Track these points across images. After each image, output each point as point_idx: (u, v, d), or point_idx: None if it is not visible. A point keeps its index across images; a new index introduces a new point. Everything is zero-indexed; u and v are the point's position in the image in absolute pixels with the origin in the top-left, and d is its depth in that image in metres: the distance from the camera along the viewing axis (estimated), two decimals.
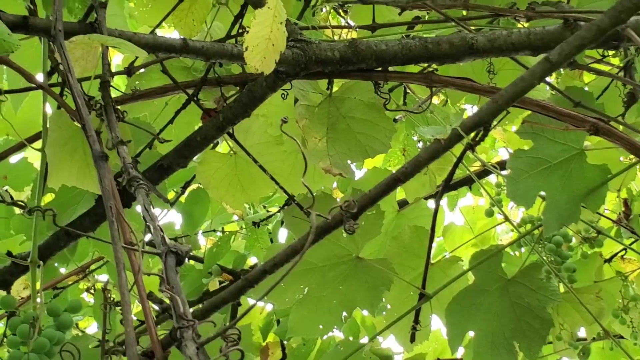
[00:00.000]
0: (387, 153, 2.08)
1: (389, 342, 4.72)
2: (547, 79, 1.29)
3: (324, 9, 2.37)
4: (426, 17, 1.78)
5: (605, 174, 1.49)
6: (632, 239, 2.21)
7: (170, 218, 4.17)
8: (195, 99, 1.65)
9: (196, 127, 1.87)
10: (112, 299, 1.16)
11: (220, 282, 2.60)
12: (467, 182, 2.43)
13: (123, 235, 1.04)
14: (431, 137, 1.14)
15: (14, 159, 2.31)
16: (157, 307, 1.04)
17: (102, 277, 2.79)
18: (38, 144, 1.63)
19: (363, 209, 1.18)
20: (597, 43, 1.22)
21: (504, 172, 1.62)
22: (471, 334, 1.67)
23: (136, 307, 2.22)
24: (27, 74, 1.42)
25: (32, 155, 2.32)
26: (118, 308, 1.01)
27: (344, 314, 1.71)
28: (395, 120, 2.12)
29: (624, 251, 2.24)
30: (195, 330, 0.88)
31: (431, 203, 2.18)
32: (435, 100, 2.31)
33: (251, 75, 1.63)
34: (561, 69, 1.99)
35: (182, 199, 2.43)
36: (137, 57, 1.64)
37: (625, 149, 1.40)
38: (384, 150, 1.67)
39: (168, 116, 1.78)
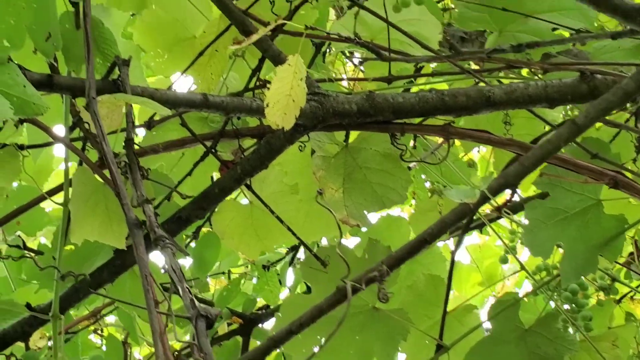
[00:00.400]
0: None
1: None
2: None
3: (330, 50, 2.40)
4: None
5: (622, 223, 1.50)
6: None
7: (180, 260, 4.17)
8: (213, 151, 1.67)
9: (212, 177, 1.90)
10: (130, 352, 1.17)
11: (229, 324, 2.61)
12: (480, 225, 2.43)
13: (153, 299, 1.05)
14: (460, 200, 1.16)
15: None
16: None
17: (110, 318, 2.80)
18: (57, 196, 1.66)
19: (390, 270, 1.19)
20: (622, 106, 1.24)
21: (523, 221, 1.63)
22: None
23: None
24: (51, 132, 1.43)
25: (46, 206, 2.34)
26: None
27: None
28: (409, 168, 2.13)
29: (633, 292, 2.25)
30: None
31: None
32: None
33: (269, 127, 1.64)
34: None
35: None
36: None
37: None
38: (400, 201, 1.68)
39: (184, 166, 1.80)
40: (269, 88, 1.35)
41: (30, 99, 1.23)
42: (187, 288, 1.11)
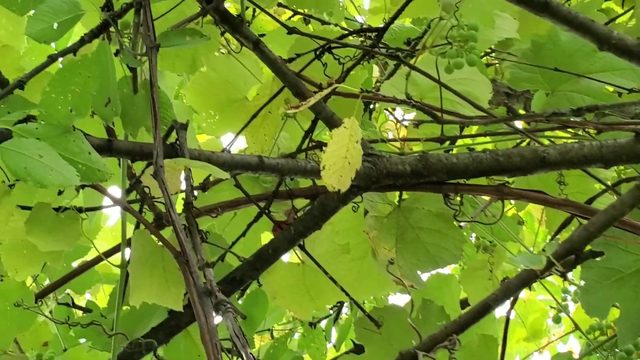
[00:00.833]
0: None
1: None
2: None
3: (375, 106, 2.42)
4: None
5: None
6: None
7: None
8: (267, 211, 1.68)
9: (263, 236, 1.90)
10: None
11: None
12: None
13: None
14: (526, 266, 1.15)
15: (75, 263, 2.34)
16: None
17: None
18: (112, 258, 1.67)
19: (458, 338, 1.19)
20: None
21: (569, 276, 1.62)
22: None
23: None
24: (110, 195, 1.45)
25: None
26: None
27: None
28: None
29: None
30: None
31: None
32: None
33: (322, 187, 1.66)
34: None
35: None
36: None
37: None
38: (454, 261, 1.68)
39: (236, 226, 1.81)
40: (322, 150, 1.36)
41: (95, 165, 1.25)
42: (252, 354, 1.12)
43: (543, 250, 1.59)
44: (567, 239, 1.20)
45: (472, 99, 1.68)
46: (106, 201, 1.72)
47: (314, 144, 1.71)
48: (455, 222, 1.66)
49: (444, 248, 1.67)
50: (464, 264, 2.45)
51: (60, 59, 1.47)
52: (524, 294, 3.48)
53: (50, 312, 2.07)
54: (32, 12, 1.52)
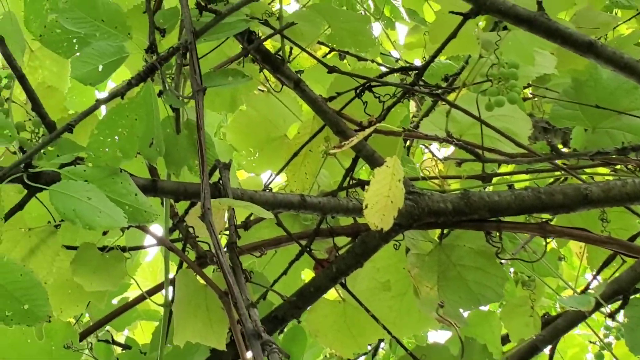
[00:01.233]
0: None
1: None
2: None
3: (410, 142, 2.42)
4: None
5: None
6: None
7: None
8: (308, 249, 1.68)
9: (303, 273, 1.91)
10: None
11: None
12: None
13: None
14: (575, 308, 1.15)
15: (115, 300, 2.35)
16: None
17: None
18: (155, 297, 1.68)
19: None
20: None
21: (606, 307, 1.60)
22: None
23: None
24: (153, 234, 1.47)
25: (134, 295, 2.37)
26: None
27: None
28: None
29: None
30: None
31: None
32: None
33: (363, 225, 1.66)
34: None
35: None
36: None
37: None
38: (497, 300, 1.66)
39: (277, 264, 1.82)
40: (364, 188, 1.37)
41: (142, 207, 1.27)
42: None
43: (586, 288, 1.59)
44: (614, 279, 1.20)
45: (512, 136, 1.68)
46: (148, 239, 1.74)
47: (354, 181, 1.71)
48: (497, 260, 1.65)
49: (486, 286, 1.66)
50: (504, 300, 2.43)
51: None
52: None
53: (90, 348, 2.09)
54: (77, 54, 1.55)
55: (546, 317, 2.05)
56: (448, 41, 1.67)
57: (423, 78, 1.87)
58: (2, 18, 1.66)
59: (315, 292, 1.67)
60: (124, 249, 1.59)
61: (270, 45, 2.05)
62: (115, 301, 2.31)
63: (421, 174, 1.73)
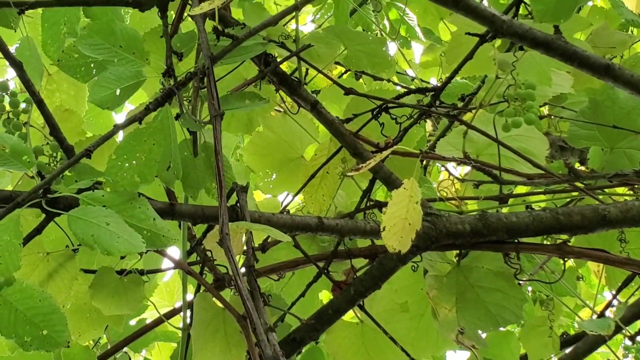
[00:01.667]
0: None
1: None
2: None
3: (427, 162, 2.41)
4: None
5: None
6: None
7: None
8: (326, 271, 1.68)
9: (320, 295, 1.90)
10: None
11: None
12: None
13: None
14: (594, 332, 1.14)
15: (133, 320, 2.36)
16: None
17: None
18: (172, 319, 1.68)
19: None
20: None
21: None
22: None
23: None
24: (171, 258, 1.47)
25: (151, 316, 2.37)
26: None
27: None
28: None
29: None
30: None
31: None
32: None
33: (381, 247, 1.66)
34: None
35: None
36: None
37: None
38: (516, 321, 1.65)
39: (293, 285, 1.81)
40: (381, 210, 1.37)
41: (160, 231, 1.27)
42: None
43: (606, 308, 1.58)
44: (634, 302, 1.19)
45: (529, 156, 1.68)
46: (165, 262, 1.74)
47: (372, 203, 1.71)
48: (515, 281, 1.65)
49: (505, 307, 1.65)
50: (522, 320, 2.42)
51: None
52: None
53: None
54: (95, 78, 1.55)
55: (565, 336, 2.04)
56: (464, 62, 1.68)
57: (441, 99, 1.87)
58: (21, 43, 1.67)
59: (334, 314, 1.66)
60: (142, 272, 1.59)
61: (286, 65, 2.06)
62: (133, 322, 2.31)
63: (438, 195, 1.72)
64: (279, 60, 1.76)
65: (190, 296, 1.60)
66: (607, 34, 2.00)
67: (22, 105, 1.59)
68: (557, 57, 1.42)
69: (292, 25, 1.89)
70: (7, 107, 1.57)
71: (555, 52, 1.41)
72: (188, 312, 1.56)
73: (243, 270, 1.42)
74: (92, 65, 1.56)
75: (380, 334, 1.76)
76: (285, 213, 1.68)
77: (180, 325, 1.56)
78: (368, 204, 1.72)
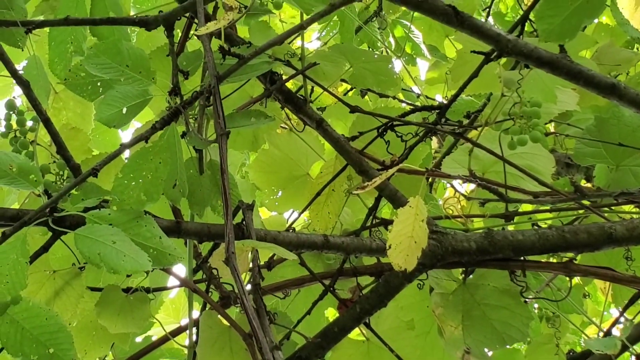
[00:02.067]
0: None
1: None
2: None
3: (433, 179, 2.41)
4: None
5: None
6: None
7: None
8: (332, 289, 1.68)
9: (326, 312, 1.90)
10: None
11: None
12: None
13: None
14: (600, 351, 1.14)
15: (139, 338, 2.35)
16: None
17: None
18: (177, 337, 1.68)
19: None
20: None
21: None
22: None
23: None
24: (177, 276, 1.47)
25: (157, 333, 2.37)
26: None
27: None
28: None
29: None
30: None
31: None
32: None
33: (387, 265, 1.66)
34: None
35: None
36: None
37: None
38: (522, 339, 1.65)
39: (299, 302, 1.81)
40: (387, 228, 1.37)
41: (166, 250, 1.27)
42: None
43: (612, 326, 1.57)
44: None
45: (535, 173, 1.68)
46: (171, 280, 1.75)
47: (377, 220, 1.71)
48: (521, 299, 1.64)
49: (511, 325, 1.65)
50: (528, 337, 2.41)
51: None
52: None
53: None
54: (101, 97, 1.56)
55: (571, 354, 2.04)
56: (470, 80, 1.68)
57: (447, 117, 1.87)
58: (28, 62, 1.68)
59: (339, 332, 1.66)
60: (148, 290, 1.60)
61: (291, 83, 2.06)
62: (139, 339, 2.31)
63: (444, 213, 1.72)
64: (284, 78, 1.77)
65: (196, 314, 1.60)
66: (613, 52, 2.00)
67: (29, 124, 1.60)
68: (562, 76, 1.42)
69: (297, 42, 1.89)
70: (14, 126, 1.58)
71: (561, 71, 1.41)
72: (194, 330, 1.56)
73: (249, 288, 1.42)
74: (98, 84, 1.57)
75: (386, 351, 1.75)
76: (290, 231, 1.69)
77: (186, 343, 1.55)
78: (374, 222, 1.72)
